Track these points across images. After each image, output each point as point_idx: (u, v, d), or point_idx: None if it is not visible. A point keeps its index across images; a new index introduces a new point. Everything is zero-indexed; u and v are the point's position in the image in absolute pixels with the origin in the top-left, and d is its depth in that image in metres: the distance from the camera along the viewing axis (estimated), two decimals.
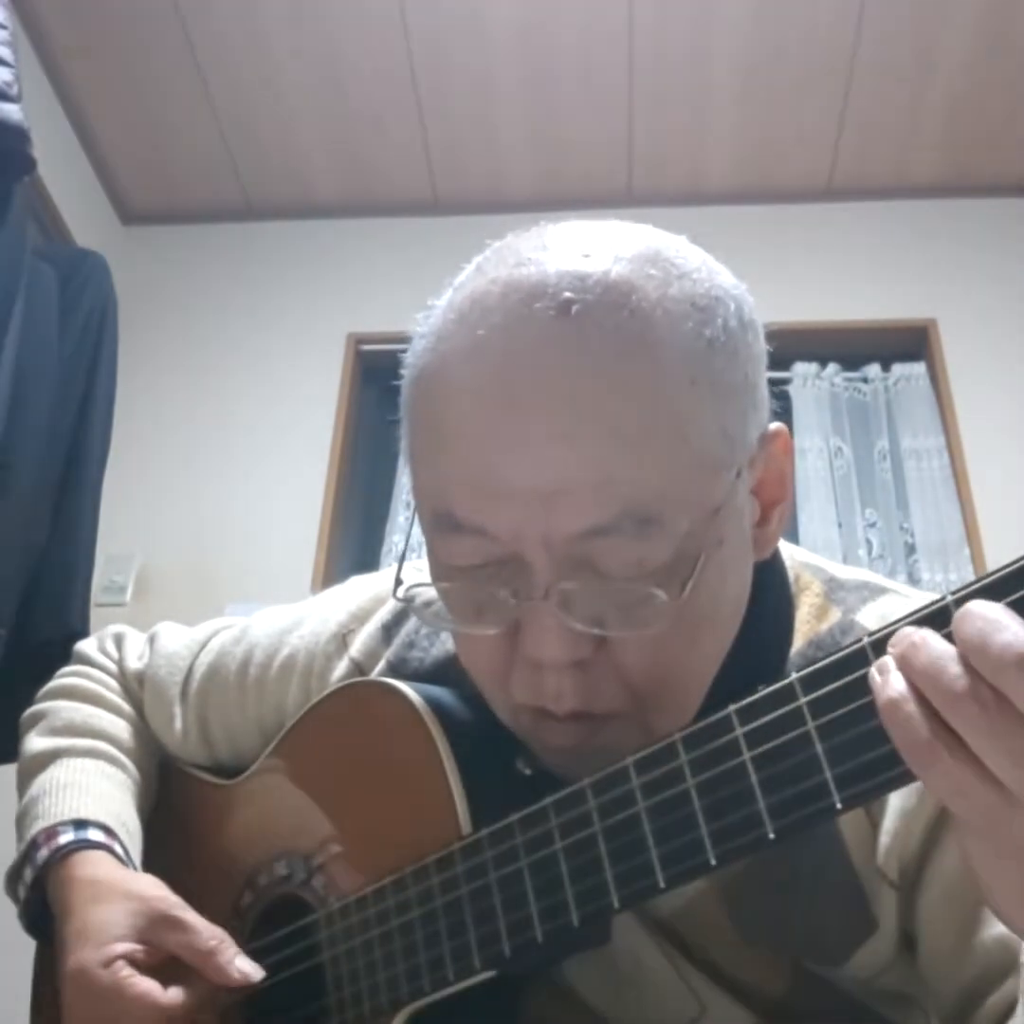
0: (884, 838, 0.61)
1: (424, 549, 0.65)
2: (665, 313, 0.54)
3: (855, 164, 2.89)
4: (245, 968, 0.68)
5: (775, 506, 0.63)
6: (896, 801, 0.61)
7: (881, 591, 0.69)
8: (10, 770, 0.90)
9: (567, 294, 0.53)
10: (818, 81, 2.69)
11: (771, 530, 0.63)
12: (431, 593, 0.62)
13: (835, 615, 0.68)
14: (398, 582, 0.62)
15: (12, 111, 1.55)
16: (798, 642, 0.66)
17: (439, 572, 0.59)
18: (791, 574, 0.69)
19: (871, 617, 0.67)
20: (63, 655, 0.96)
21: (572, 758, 0.58)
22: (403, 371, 0.62)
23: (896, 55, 2.63)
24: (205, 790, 0.85)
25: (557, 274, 0.54)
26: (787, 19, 2.57)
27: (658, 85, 2.72)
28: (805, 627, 0.67)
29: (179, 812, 0.87)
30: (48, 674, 0.95)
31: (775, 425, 0.62)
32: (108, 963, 0.67)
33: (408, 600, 0.64)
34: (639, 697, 0.58)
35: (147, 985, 0.67)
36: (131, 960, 0.68)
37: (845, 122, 2.79)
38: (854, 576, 0.71)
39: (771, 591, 0.66)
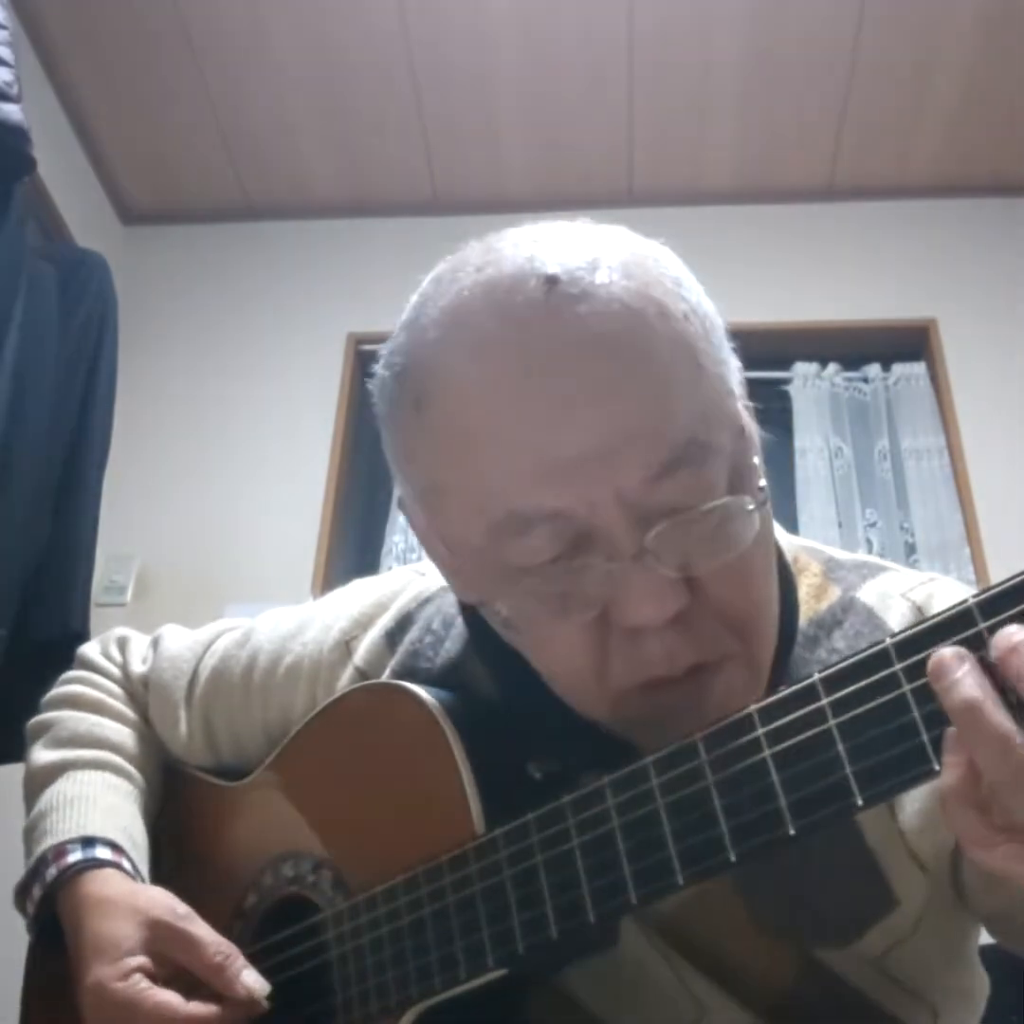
0: (911, 819, 0.61)
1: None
2: (639, 265, 0.57)
3: (855, 164, 2.89)
4: (250, 983, 0.68)
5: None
6: None
7: (880, 569, 0.71)
8: (9, 770, 0.90)
9: (549, 270, 0.55)
10: (818, 81, 2.69)
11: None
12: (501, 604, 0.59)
13: (835, 593, 0.68)
14: (464, 607, 0.61)
15: (12, 111, 1.55)
16: (800, 622, 0.67)
17: (513, 578, 0.57)
18: (789, 556, 0.70)
19: (871, 594, 0.68)
20: (63, 655, 0.96)
21: (691, 718, 0.56)
22: (384, 422, 0.62)
23: (896, 55, 2.63)
24: (210, 792, 0.85)
25: (526, 258, 0.56)
26: (787, 19, 2.57)
27: (658, 85, 2.71)
28: (805, 607, 0.68)
29: (184, 815, 0.86)
30: (48, 674, 0.94)
31: None
32: (124, 976, 0.68)
33: (500, 614, 0.59)
34: (741, 632, 0.58)
35: (166, 995, 0.67)
36: (147, 973, 0.68)
37: (845, 122, 2.79)
38: (852, 557, 0.73)
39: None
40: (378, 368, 0.62)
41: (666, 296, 0.56)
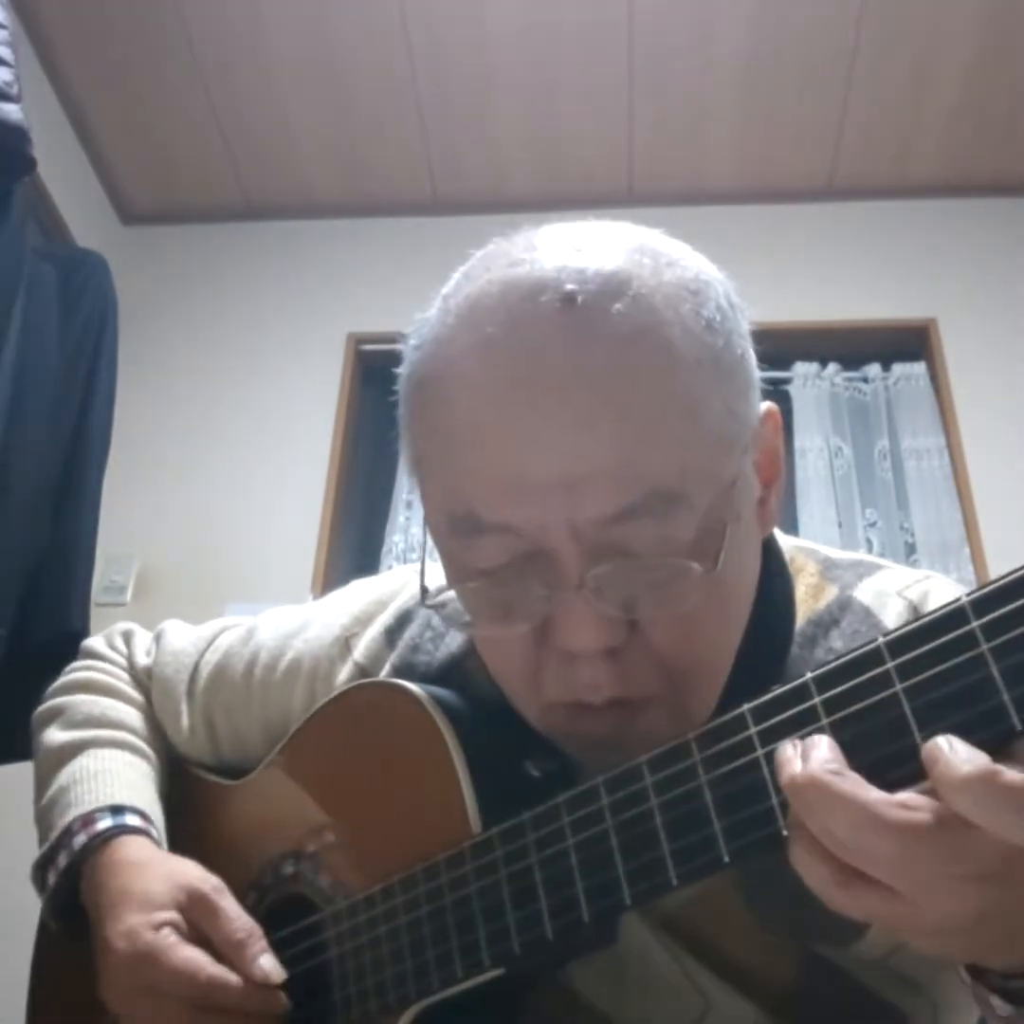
0: None
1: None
2: (664, 297, 0.56)
3: (855, 164, 2.89)
4: (266, 967, 0.67)
5: (771, 484, 0.64)
6: None
7: (876, 567, 0.71)
8: (10, 770, 0.90)
9: (569, 286, 0.54)
10: (818, 81, 2.69)
11: (771, 508, 0.64)
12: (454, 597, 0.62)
13: (831, 592, 0.69)
14: (424, 590, 0.62)
15: (12, 111, 1.54)
16: (797, 622, 0.67)
17: (461, 576, 0.59)
18: (786, 556, 0.70)
19: (868, 592, 0.68)
20: (63, 655, 0.96)
21: (611, 749, 0.58)
22: (399, 384, 0.62)
23: (896, 55, 2.63)
24: (210, 790, 0.85)
25: (555, 269, 0.55)
26: (787, 19, 2.57)
27: (658, 85, 2.72)
28: (803, 607, 0.68)
29: (183, 812, 0.86)
30: (48, 674, 0.94)
31: (766, 404, 0.63)
32: (156, 927, 0.68)
33: (439, 606, 0.62)
34: (674, 679, 0.58)
35: (194, 951, 0.67)
36: (177, 929, 0.68)
37: (845, 122, 2.79)
38: (848, 556, 0.73)
39: (772, 573, 0.67)
40: (412, 329, 0.63)
41: (683, 338, 0.55)
